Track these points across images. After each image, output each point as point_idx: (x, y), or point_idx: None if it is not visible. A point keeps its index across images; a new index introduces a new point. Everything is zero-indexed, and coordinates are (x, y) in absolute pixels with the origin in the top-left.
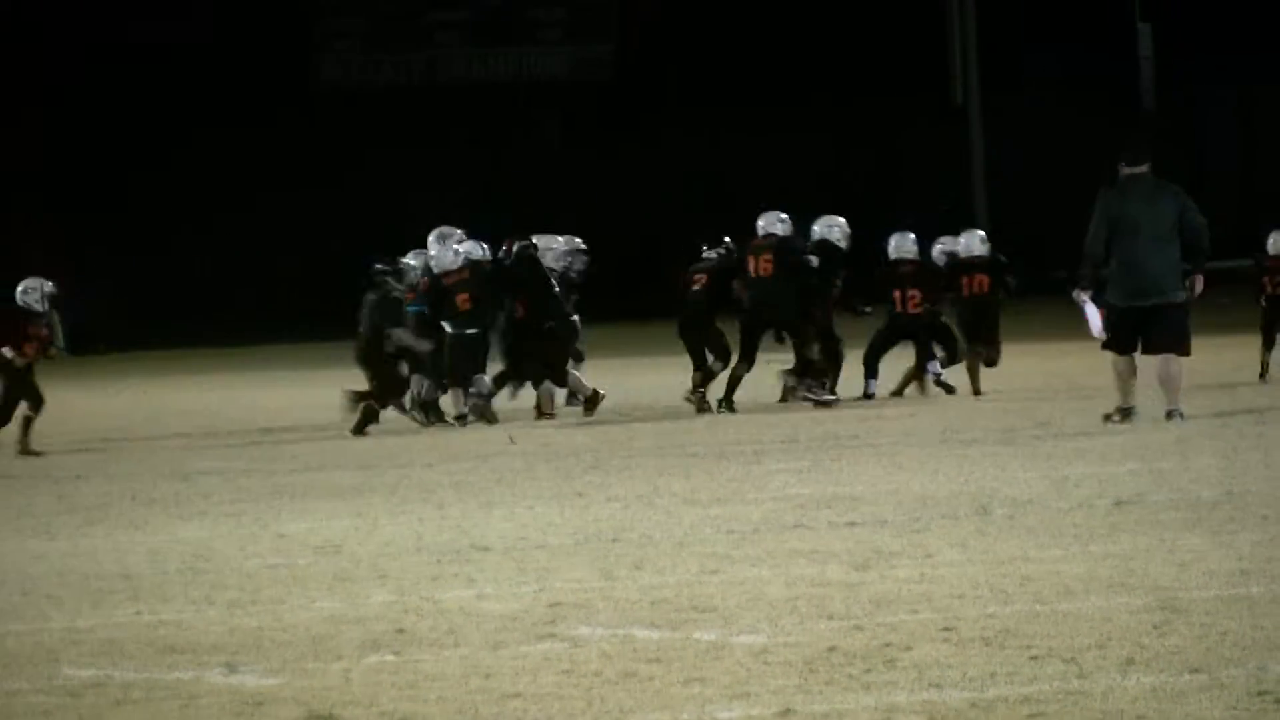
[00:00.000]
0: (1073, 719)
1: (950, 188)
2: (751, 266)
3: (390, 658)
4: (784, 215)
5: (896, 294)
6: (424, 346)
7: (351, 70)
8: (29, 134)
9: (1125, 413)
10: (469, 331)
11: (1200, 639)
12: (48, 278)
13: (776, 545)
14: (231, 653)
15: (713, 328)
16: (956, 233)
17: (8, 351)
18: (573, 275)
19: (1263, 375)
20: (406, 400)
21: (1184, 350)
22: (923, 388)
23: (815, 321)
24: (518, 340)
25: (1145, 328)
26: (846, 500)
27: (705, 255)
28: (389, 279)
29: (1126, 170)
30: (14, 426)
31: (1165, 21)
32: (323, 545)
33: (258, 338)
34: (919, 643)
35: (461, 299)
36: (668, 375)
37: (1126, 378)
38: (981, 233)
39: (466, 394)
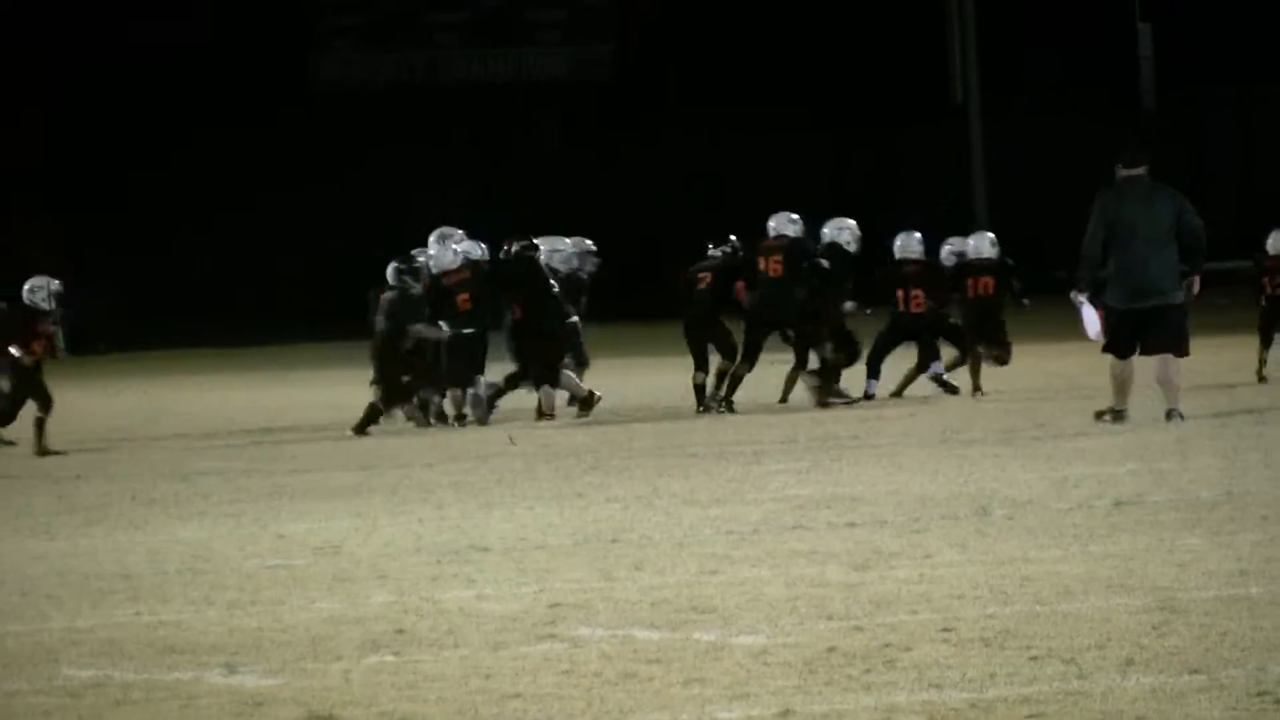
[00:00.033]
0: (1072, 719)
1: (950, 188)
2: (762, 267)
3: (390, 658)
4: (795, 216)
5: (900, 293)
6: (441, 334)
7: (351, 70)
8: (29, 134)
9: (1117, 415)
10: (467, 331)
11: (1200, 639)
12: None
13: (776, 546)
14: (231, 653)
15: (719, 327)
16: (957, 233)
17: (15, 350)
18: (583, 277)
19: (1261, 376)
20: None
21: (1182, 351)
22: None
23: (827, 323)
24: (519, 341)
25: (1144, 329)
26: (846, 501)
27: (710, 254)
28: (406, 277)
29: (1123, 172)
30: (28, 430)
31: (1165, 21)
32: (322, 546)
33: (258, 338)
34: (918, 643)
35: (462, 299)
36: (667, 376)
37: (1124, 382)
38: (991, 235)
39: (465, 394)
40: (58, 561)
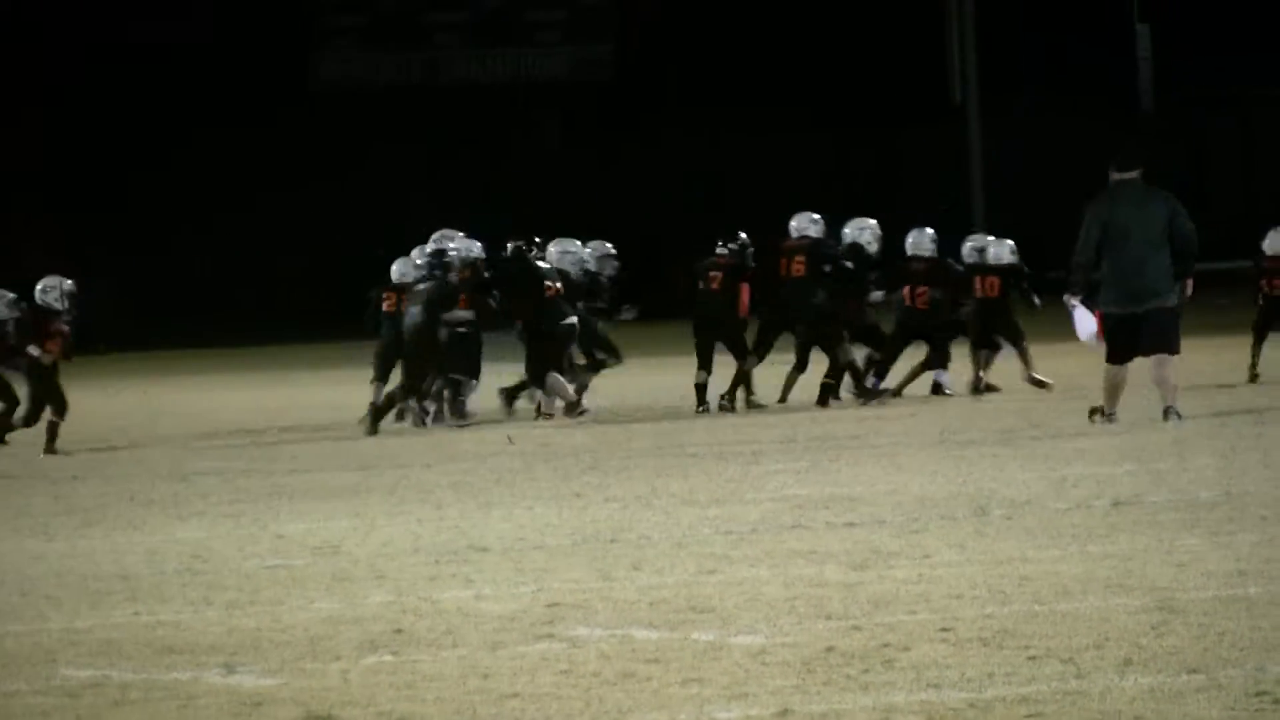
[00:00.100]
0: (1070, 719)
1: (949, 188)
2: (783, 267)
3: (388, 658)
4: (816, 216)
5: (906, 290)
6: (468, 316)
7: (351, 70)
8: (29, 134)
9: (1108, 417)
10: (462, 330)
11: (1198, 639)
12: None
13: (775, 546)
14: (230, 653)
15: (729, 326)
16: (956, 233)
17: (34, 350)
18: (604, 280)
19: (1254, 375)
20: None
21: (1175, 350)
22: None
23: (851, 322)
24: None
25: (1138, 332)
26: (845, 501)
27: (719, 251)
28: (437, 271)
29: (1116, 176)
30: (40, 434)
31: (1164, 22)
32: (321, 546)
33: (258, 338)
34: (917, 643)
35: (460, 299)
36: (667, 376)
37: (1117, 386)
38: (1011, 243)
39: (455, 390)
40: (56, 562)
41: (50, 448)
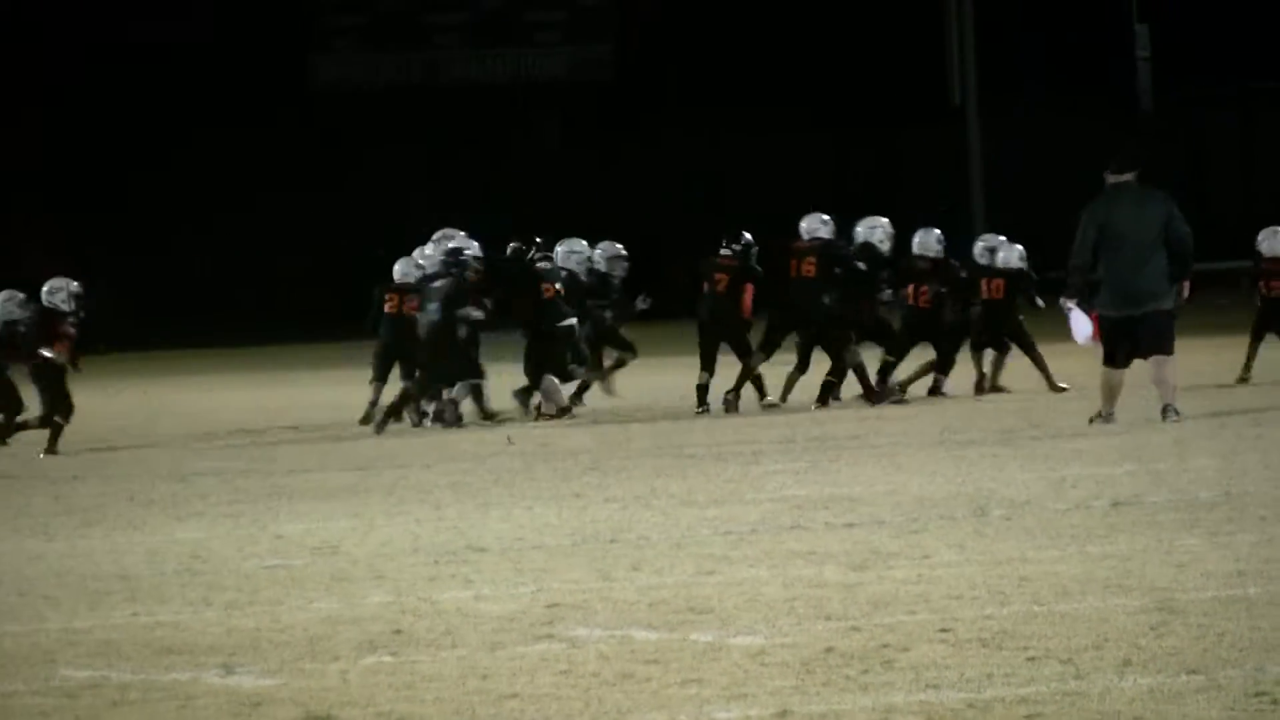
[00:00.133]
0: (1069, 719)
1: (949, 188)
2: (794, 268)
3: (387, 658)
4: (825, 217)
5: (910, 289)
6: (480, 315)
7: (351, 70)
8: (29, 134)
9: (1106, 417)
10: (461, 330)
11: (1197, 640)
12: (48, 278)
13: (774, 546)
14: (229, 654)
15: (733, 327)
16: (955, 233)
17: (48, 352)
18: (615, 281)
19: (1245, 376)
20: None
21: (1170, 349)
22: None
23: (861, 322)
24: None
25: (1135, 335)
26: (844, 501)
27: (723, 252)
28: (454, 269)
29: (1113, 179)
30: (41, 434)
31: (1163, 21)
32: (320, 546)
33: (258, 338)
34: (916, 643)
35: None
36: (666, 376)
37: (1114, 389)
38: (1022, 249)
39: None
40: (55, 562)
41: (51, 448)
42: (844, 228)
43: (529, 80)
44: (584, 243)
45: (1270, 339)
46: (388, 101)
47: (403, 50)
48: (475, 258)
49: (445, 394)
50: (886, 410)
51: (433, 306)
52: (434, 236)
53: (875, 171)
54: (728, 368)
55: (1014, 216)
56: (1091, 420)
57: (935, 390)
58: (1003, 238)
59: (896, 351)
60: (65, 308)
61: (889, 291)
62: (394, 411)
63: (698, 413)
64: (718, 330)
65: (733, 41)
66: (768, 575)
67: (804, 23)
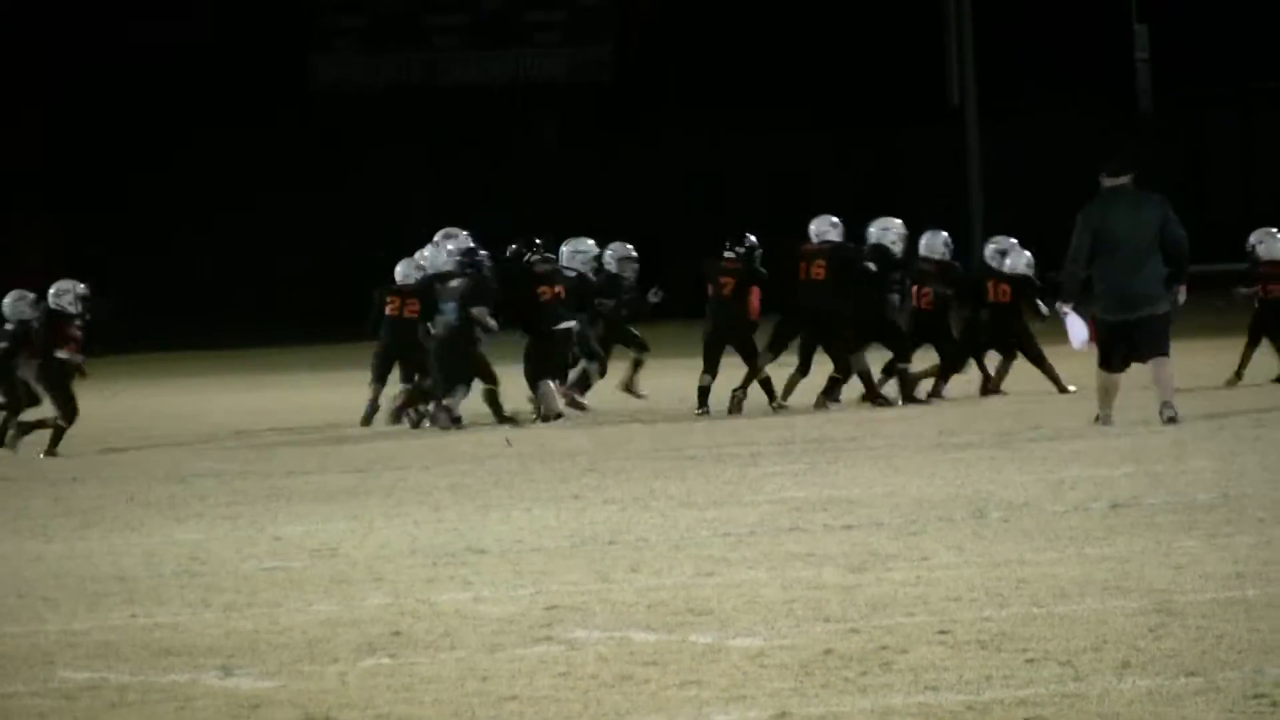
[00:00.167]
0: None
1: (948, 188)
2: (803, 271)
3: (386, 660)
4: (835, 219)
5: (913, 289)
6: (494, 325)
7: (351, 71)
8: (29, 134)
9: (1104, 419)
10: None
11: (1196, 642)
12: (48, 278)
13: (772, 548)
14: (227, 655)
15: (739, 330)
16: (956, 233)
17: (62, 353)
18: (624, 281)
19: (1238, 376)
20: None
21: (1166, 350)
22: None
23: (870, 322)
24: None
25: (1131, 339)
26: (843, 503)
27: (726, 254)
28: (469, 270)
29: (1108, 182)
30: (41, 435)
31: (1162, 22)
32: (319, 548)
33: (258, 339)
34: (915, 645)
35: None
36: (666, 377)
37: (1110, 391)
38: (1029, 256)
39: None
40: (54, 564)
41: (52, 450)
42: (843, 228)
43: (529, 81)
44: (591, 241)
45: (1265, 346)
46: (388, 102)
47: (403, 51)
48: (490, 257)
49: (447, 399)
50: (884, 412)
51: (449, 307)
52: (435, 237)
53: (875, 172)
54: (735, 369)
55: (1013, 217)
56: (1096, 420)
57: (935, 393)
58: (1014, 240)
59: (904, 355)
60: (72, 310)
61: (896, 298)
62: (408, 404)
63: (698, 414)
64: (723, 335)
65: (732, 42)
66: (766, 577)
67: (803, 23)
